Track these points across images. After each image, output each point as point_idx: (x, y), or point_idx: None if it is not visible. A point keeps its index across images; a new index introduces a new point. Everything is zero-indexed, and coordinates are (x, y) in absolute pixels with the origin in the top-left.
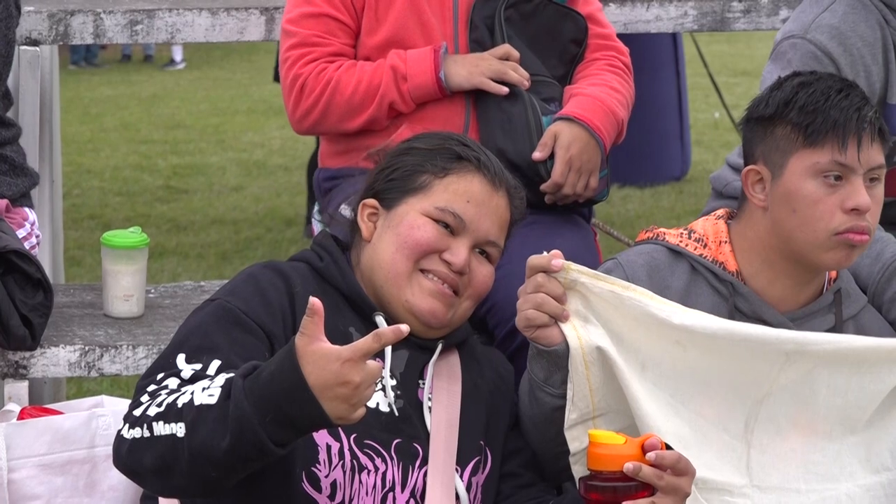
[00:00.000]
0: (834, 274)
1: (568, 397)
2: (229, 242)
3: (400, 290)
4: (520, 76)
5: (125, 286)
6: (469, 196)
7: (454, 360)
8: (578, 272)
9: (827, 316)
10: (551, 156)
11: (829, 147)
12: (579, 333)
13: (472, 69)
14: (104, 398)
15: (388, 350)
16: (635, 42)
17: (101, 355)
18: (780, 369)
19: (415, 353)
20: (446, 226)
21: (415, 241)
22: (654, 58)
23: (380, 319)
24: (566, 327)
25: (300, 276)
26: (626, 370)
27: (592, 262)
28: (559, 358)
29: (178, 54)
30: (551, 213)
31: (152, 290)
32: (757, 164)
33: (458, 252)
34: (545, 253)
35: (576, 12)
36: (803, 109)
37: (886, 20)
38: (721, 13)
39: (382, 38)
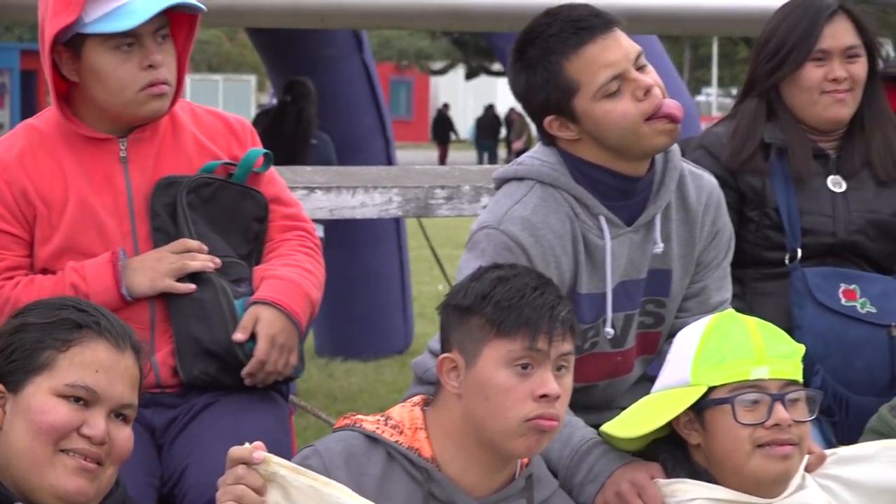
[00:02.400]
0: (526, 459)
1: None
2: None
3: (43, 477)
4: (203, 262)
5: None
6: (97, 365)
7: None
8: (279, 465)
9: (519, 501)
10: (251, 338)
11: (521, 339)
12: None
13: (153, 274)
14: None
15: None
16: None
17: None
18: None
19: None
20: (78, 399)
21: (49, 426)
22: (376, 231)
23: None
24: None
25: None
26: None
27: (286, 440)
28: None
29: None
30: (247, 391)
31: None
32: (452, 352)
33: (96, 425)
34: (247, 444)
35: (255, 191)
36: (498, 305)
37: (576, 213)
38: (425, 199)
39: (56, 246)
